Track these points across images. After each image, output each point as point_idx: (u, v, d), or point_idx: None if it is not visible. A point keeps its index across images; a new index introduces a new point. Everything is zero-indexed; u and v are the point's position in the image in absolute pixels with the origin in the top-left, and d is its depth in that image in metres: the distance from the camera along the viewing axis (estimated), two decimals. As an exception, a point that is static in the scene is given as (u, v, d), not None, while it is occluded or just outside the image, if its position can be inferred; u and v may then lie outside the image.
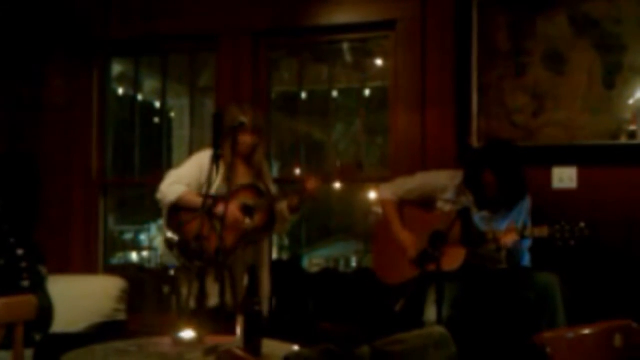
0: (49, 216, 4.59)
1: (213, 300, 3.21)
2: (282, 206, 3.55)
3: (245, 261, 3.39)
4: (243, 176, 3.54)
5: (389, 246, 3.64)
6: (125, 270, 4.84)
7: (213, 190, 3.28)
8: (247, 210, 3.37)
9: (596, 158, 3.78)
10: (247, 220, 3.32)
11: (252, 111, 3.54)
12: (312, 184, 3.43)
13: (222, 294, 2.98)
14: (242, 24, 4.40)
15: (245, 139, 3.48)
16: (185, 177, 3.54)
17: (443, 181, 3.60)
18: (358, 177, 4.09)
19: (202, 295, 2.91)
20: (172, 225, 3.50)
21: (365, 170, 4.38)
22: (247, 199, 3.42)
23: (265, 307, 3.53)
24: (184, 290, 3.47)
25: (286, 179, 3.77)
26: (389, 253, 3.64)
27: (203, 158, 3.56)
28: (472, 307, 3.38)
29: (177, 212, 3.51)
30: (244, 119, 3.38)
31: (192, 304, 3.24)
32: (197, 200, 3.42)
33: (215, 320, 2.94)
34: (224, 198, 3.28)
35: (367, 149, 4.65)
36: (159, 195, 3.53)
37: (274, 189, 3.65)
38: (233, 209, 3.34)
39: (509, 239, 3.28)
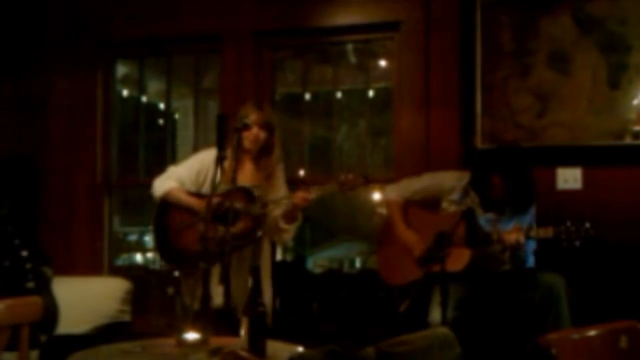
0: (54, 218, 4.60)
1: (217, 301, 3.14)
2: (276, 216, 3.40)
3: (241, 267, 3.31)
4: (249, 177, 3.45)
5: (394, 247, 3.64)
6: (130, 272, 4.85)
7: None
8: (228, 214, 3.21)
9: (601, 159, 3.77)
10: (221, 228, 3.12)
11: (263, 108, 3.46)
12: (300, 200, 3.27)
13: (227, 296, 2.96)
14: (246, 26, 4.40)
15: (252, 133, 3.37)
16: (180, 174, 3.50)
17: (449, 182, 3.59)
18: (363, 188, 3.97)
19: (206, 298, 2.89)
20: (159, 224, 3.49)
21: (369, 176, 4.33)
22: (237, 202, 3.28)
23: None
24: (187, 293, 3.44)
25: (290, 181, 3.76)
26: (394, 254, 3.63)
27: (205, 157, 3.51)
28: (477, 309, 3.38)
29: (166, 211, 3.48)
30: (247, 120, 3.34)
31: (196, 306, 3.21)
32: (184, 198, 3.42)
33: (218, 322, 2.92)
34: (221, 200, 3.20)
35: (371, 150, 4.64)
36: (152, 189, 3.52)
37: (283, 195, 3.46)
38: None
39: (513, 237, 3.27)
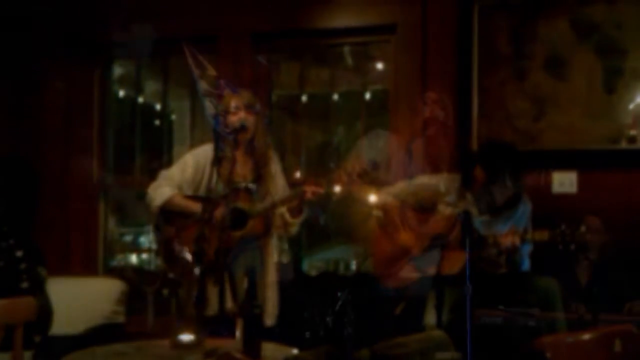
0: (49, 218, 4.59)
1: (212, 308, 3.06)
2: (282, 209, 3.37)
3: (248, 267, 3.23)
4: (242, 172, 3.36)
5: (389, 249, 3.63)
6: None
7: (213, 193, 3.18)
8: (237, 217, 3.21)
9: (596, 162, 3.78)
10: (229, 231, 3.11)
11: (239, 92, 3.41)
12: (312, 191, 3.23)
13: (221, 298, 2.94)
14: (243, 27, 4.40)
15: (239, 117, 3.31)
16: (175, 178, 3.39)
17: (443, 184, 3.60)
18: (374, 180, 3.94)
19: (201, 300, 2.87)
20: (163, 231, 3.38)
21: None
22: (243, 203, 3.25)
23: (270, 320, 3.37)
24: (183, 295, 3.41)
25: (286, 182, 3.75)
26: (390, 256, 3.63)
27: (199, 155, 3.43)
28: (472, 311, 3.37)
29: (167, 216, 3.37)
30: (244, 119, 3.30)
31: (192, 310, 3.18)
32: (185, 203, 3.32)
33: (214, 327, 2.90)
34: (221, 201, 3.16)
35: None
36: (147, 199, 3.40)
37: (281, 187, 3.44)
38: (218, 217, 3.12)
39: (509, 240, 3.28)
